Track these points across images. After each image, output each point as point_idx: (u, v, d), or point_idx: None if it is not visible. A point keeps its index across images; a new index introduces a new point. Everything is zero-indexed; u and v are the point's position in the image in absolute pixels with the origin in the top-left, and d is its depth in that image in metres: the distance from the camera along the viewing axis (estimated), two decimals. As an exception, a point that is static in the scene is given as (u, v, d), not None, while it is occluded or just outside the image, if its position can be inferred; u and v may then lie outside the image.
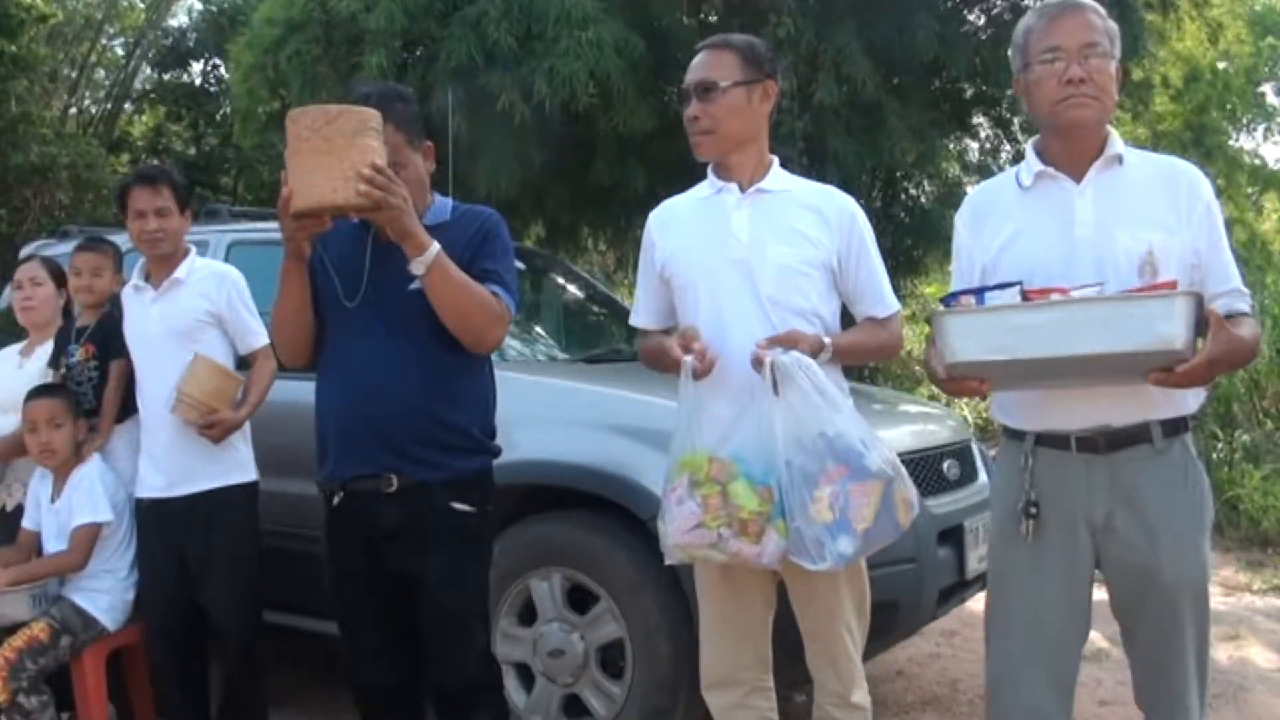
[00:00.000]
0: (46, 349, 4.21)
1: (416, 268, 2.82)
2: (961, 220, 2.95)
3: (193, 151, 21.32)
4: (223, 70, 21.17)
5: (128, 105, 21.97)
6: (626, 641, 3.74)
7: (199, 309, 3.87)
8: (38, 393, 3.93)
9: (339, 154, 2.66)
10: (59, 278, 4.31)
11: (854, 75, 7.53)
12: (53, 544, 3.88)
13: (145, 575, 3.93)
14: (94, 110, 21.60)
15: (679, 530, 2.83)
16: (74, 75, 20.81)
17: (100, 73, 22.05)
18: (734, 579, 3.06)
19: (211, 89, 21.78)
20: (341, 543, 3.09)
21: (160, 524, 3.88)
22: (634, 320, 3.24)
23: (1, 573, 3.71)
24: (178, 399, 3.76)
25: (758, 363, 2.82)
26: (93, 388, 4.05)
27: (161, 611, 3.92)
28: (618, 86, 7.10)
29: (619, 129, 7.57)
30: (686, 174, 9.34)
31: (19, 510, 4.13)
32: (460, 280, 2.88)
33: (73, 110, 21.02)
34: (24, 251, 6.36)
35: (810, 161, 7.96)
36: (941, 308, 2.74)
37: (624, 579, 3.73)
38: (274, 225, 5.23)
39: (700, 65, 3.05)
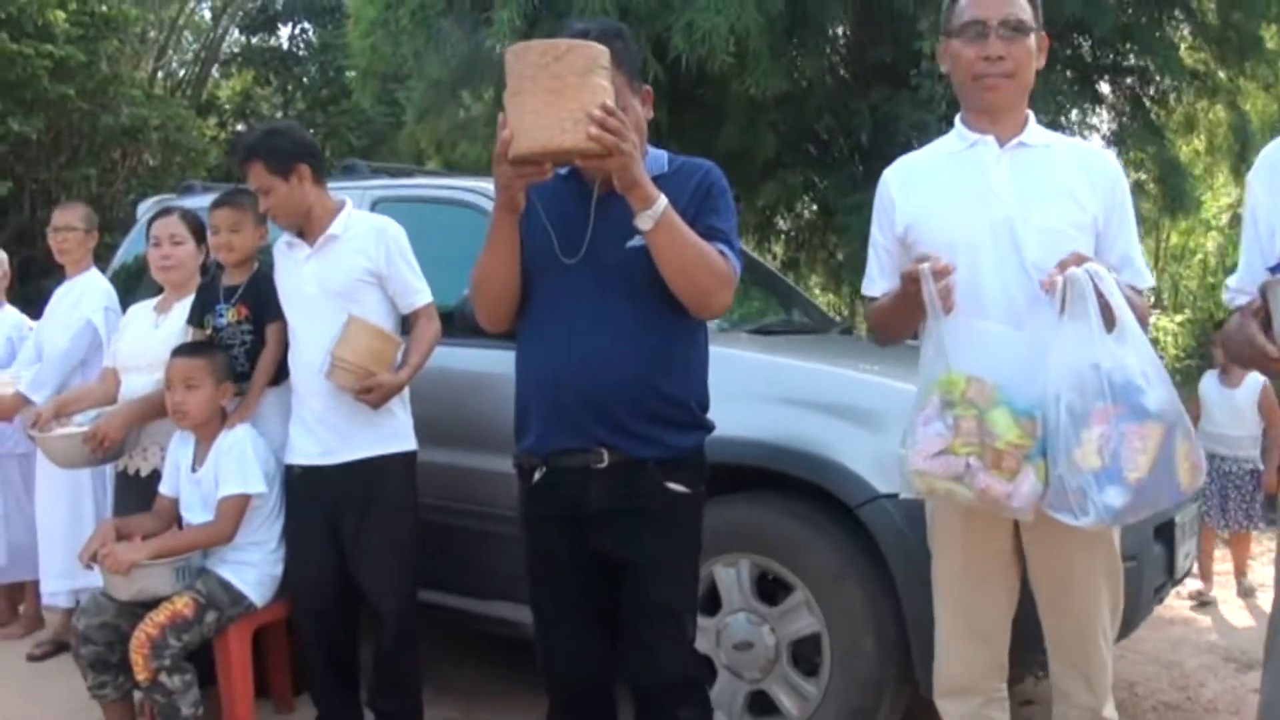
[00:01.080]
0: (184, 306, 3.95)
1: (643, 222, 2.49)
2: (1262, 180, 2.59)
3: (280, 115, 21.30)
4: (311, 34, 21.16)
5: (215, 69, 21.97)
6: (824, 636, 3.39)
7: (357, 267, 3.58)
8: (179, 351, 3.67)
9: (568, 93, 2.33)
10: (199, 233, 4.04)
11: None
12: (195, 514, 3.63)
13: (295, 548, 3.66)
14: (181, 74, 21.58)
15: (922, 454, 2.46)
16: (162, 38, 20.74)
17: (188, 36, 21.99)
18: (976, 571, 2.73)
19: (300, 53, 21.71)
20: (541, 522, 2.76)
21: (313, 494, 3.61)
22: (866, 289, 2.89)
23: (142, 545, 3.46)
24: (332, 363, 3.48)
25: (1048, 286, 2.48)
26: (245, 351, 3.77)
27: (312, 587, 3.66)
28: (754, 45, 6.75)
29: (751, 91, 7.23)
30: (813, 141, 9.10)
31: (154, 476, 3.88)
32: (688, 237, 2.55)
33: (160, 74, 20.98)
34: (142, 208, 6.14)
35: (949, 128, 7.57)
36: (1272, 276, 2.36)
37: (823, 568, 3.38)
38: (414, 181, 5.07)
39: (1000, 1, 2.67)
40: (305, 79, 21.09)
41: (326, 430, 3.57)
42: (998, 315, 2.63)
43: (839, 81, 8.42)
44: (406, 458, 3.66)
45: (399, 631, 3.65)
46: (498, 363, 3.91)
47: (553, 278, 2.68)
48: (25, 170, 17.19)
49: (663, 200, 2.49)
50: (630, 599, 2.73)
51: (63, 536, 4.75)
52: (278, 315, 3.73)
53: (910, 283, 2.57)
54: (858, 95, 8.01)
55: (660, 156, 2.77)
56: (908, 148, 8.39)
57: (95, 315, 4.74)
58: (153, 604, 3.45)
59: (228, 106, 22.14)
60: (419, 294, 3.67)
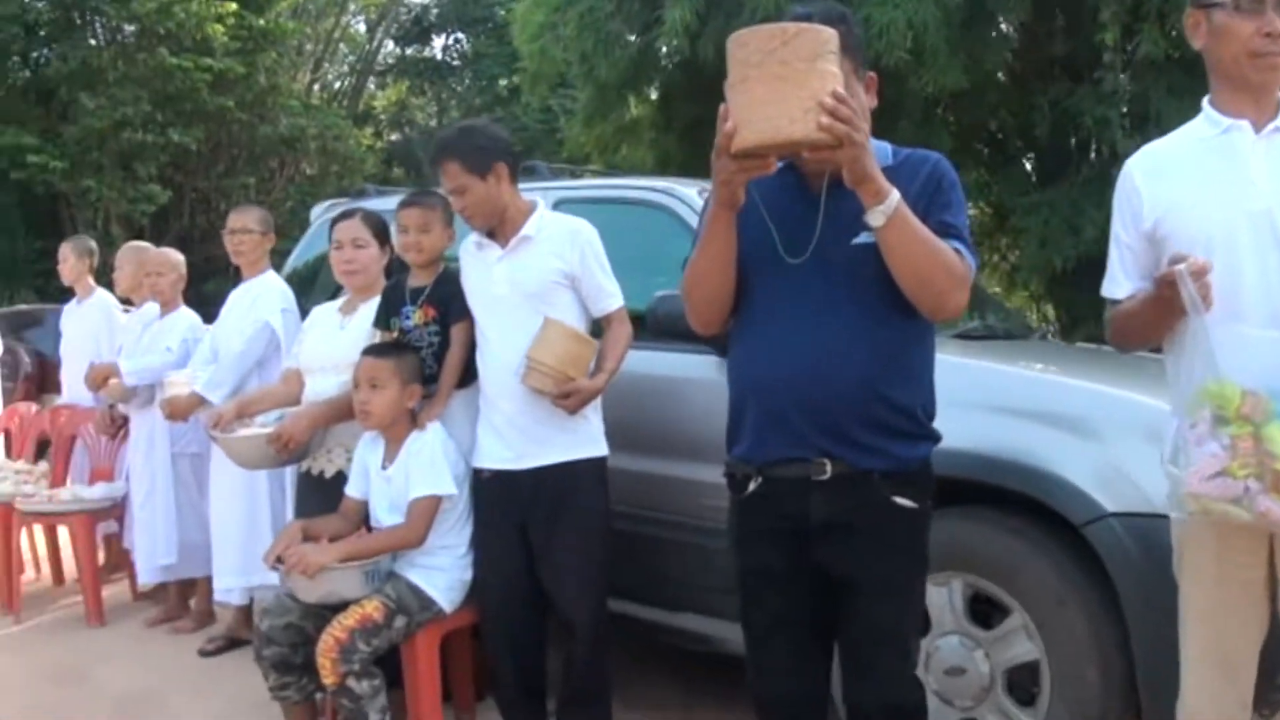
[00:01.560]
0: (369, 308, 3.90)
1: (874, 219, 2.30)
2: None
3: (434, 124, 21.73)
4: (465, 44, 21.58)
5: (370, 80, 22.53)
6: (1043, 664, 3.16)
7: (551, 269, 3.46)
8: (369, 350, 3.61)
9: (797, 80, 2.15)
10: (382, 236, 4.00)
11: (1181, 26, 6.81)
12: (383, 515, 3.56)
13: (485, 553, 3.56)
14: (337, 85, 22.18)
15: (1198, 475, 2.23)
16: (318, 51, 21.34)
17: (343, 48, 22.60)
18: (1227, 601, 2.49)
19: (454, 63, 22.18)
20: (755, 535, 2.58)
21: (502, 499, 3.52)
22: (1109, 290, 2.66)
23: (331, 548, 3.39)
24: (530, 367, 3.38)
25: None
26: (433, 353, 3.66)
27: (502, 594, 3.55)
28: (931, 40, 6.52)
29: (928, 88, 7.00)
30: (986, 140, 8.78)
31: (338, 478, 3.83)
32: (921, 234, 2.35)
33: (316, 85, 21.59)
34: (315, 212, 6.18)
35: (1132, 124, 7.24)
36: None
37: (1044, 591, 3.13)
38: (595, 183, 4.96)
39: None
40: (459, 88, 21.48)
41: (518, 434, 3.47)
42: (1258, 318, 2.38)
43: (1014, 77, 8.13)
44: (598, 463, 3.54)
45: (590, 642, 3.52)
46: (689, 367, 3.82)
47: (773, 277, 2.50)
48: (185, 179, 17.81)
49: (895, 194, 2.30)
50: (851, 618, 2.55)
51: (238, 534, 4.75)
52: (464, 316, 3.66)
53: (1165, 287, 2.35)
54: (1034, 91, 7.72)
55: (884, 148, 2.56)
56: (1087, 146, 8.00)
57: (273, 317, 4.75)
58: (339, 606, 3.40)
59: (383, 116, 22.70)
60: (612, 297, 3.55)
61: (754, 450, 2.54)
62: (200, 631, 5.19)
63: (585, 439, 3.49)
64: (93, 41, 16.81)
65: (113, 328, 6.15)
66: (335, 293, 5.40)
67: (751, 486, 2.57)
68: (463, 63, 21.63)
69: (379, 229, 3.96)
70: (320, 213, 5.98)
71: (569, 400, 3.32)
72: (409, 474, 3.46)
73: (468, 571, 3.57)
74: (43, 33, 17.13)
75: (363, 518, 3.63)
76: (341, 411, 3.70)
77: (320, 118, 18.30)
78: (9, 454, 6.42)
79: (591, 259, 3.50)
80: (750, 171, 2.29)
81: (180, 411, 4.72)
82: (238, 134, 17.57)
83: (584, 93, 8.01)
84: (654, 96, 8.18)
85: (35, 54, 17.32)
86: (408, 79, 22.30)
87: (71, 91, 15.92)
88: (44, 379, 9.96)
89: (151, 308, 5.69)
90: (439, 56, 21.78)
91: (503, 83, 19.12)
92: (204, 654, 4.87)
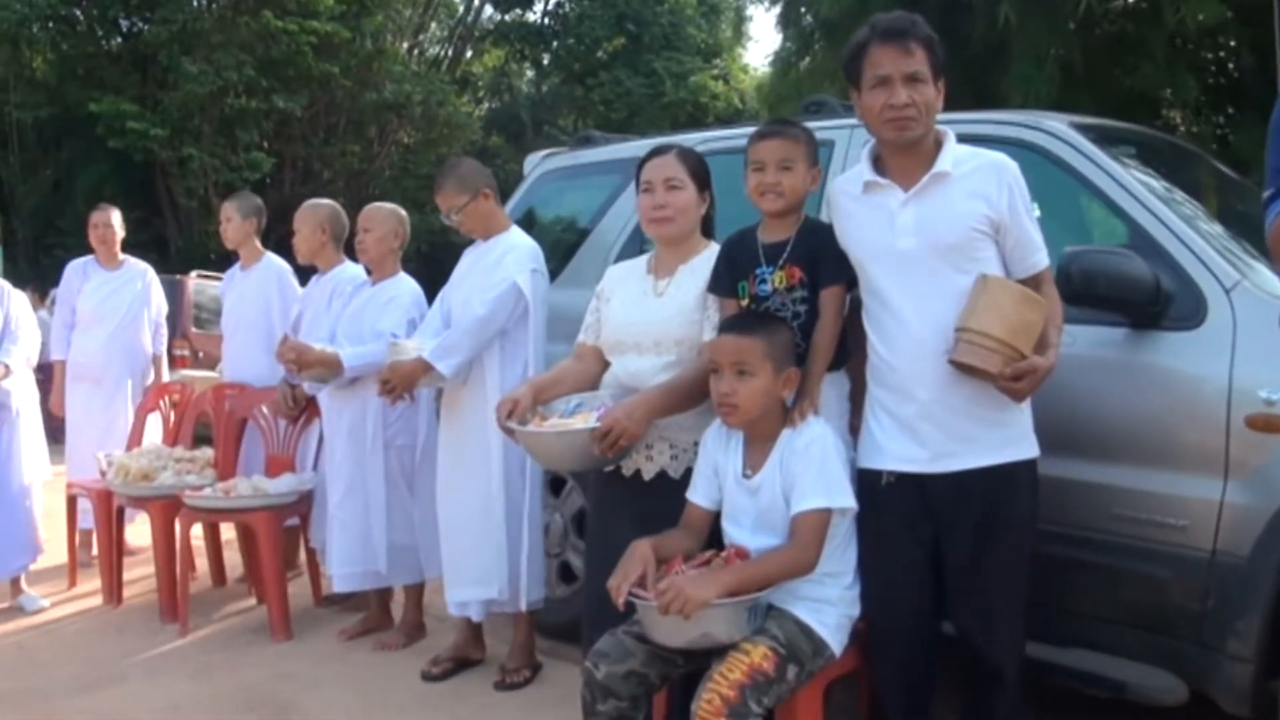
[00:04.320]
0: (692, 270, 3.08)
1: None
2: None
3: (535, 90, 20.96)
4: (565, 8, 20.75)
5: (469, 47, 21.72)
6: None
7: (975, 215, 2.65)
8: (730, 326, 2.80)
9: None
10: (702, 178, 3.17)
11: None
12: (743, 531, 2.71)
13: (881, 580, 2.75)
14: (436, 51, 21.43)
15: None
16: (418, 16, 20.58)
17: (443, 12, 21.84)
18: None
19: (554, 27, 21.30)
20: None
21: (909, 510, 2.69)
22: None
23: (711, 579, 2.51)
24: (967, 340, 2.56)
25: None
26: (800, 326, 2.85)
27: (905, 629, 2.75)
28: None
29: (1187, 21, 6.08)
30: (1244, 87, 7.81)
31: (661, 480, 3.02)
32: None
33: (415, 51, 20.86)
34: (529, 163, 5.38)
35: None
36: None
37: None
38: (966, 116, 4.04)
39: None
40: (562, 52, 20.70)
41: (935, 429, 2.65)
42: None
43: (1261, 11, 7.18)
44: (1031, 467, 2.72)
45: (1017, 693, 2.74)
46: (1101, 344, 3.09)
47: None
48: (284, 147, 17.17)
49: None
50: None
51: (473, 539, 3.97)
52: (839, 278, 2.85)
53: None
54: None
55: None
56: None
57: (521, 277, 3.93)
58: (698, 651, 2.61)
59: (481, 83, 21.92)
60: (1041, 251, 2.73)
61: None
62: (410, 648, 4.43)
63: (1020, 435, 2.72)
64: (195, 3, 16.14)
65: (286, 297, 5.42)
66: (565, 259, 4.65)
67: None
68: (563, 27, 20.77)
69: (698, 169, 3.13)
70: (535, 163, 5.18)
71: (1021, 383, 2.52)
72: (791, 482, 2.66)
73: (855, 605, 2.76)
74: (141, -4, 16.51)
75: (708, 531, 2.83)
76: (682, 399, 2.90)
77: (424, 83, 17.55)
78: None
79: (1020, 202, 2.70)
80: None
81: (403, 380, 3.91)
82: (341, 100, 16.84)
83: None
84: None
85: (133, 19, 16.69)
86: (507, 44, 21.47)
87: (172, 57, 15.25)
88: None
89: (344, 272, 4.95)
90: (538, 20, 20.89)
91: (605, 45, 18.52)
92: (429, 678, 4.11)
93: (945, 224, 2.65)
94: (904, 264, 2.68)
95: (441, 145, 17.60)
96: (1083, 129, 3.47)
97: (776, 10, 8.19)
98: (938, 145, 2.72)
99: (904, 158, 2.71)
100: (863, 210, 2.76)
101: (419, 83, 17.35)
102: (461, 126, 18.52)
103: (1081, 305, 2.92)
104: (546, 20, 20.98)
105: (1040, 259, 2.72)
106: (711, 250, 3.10)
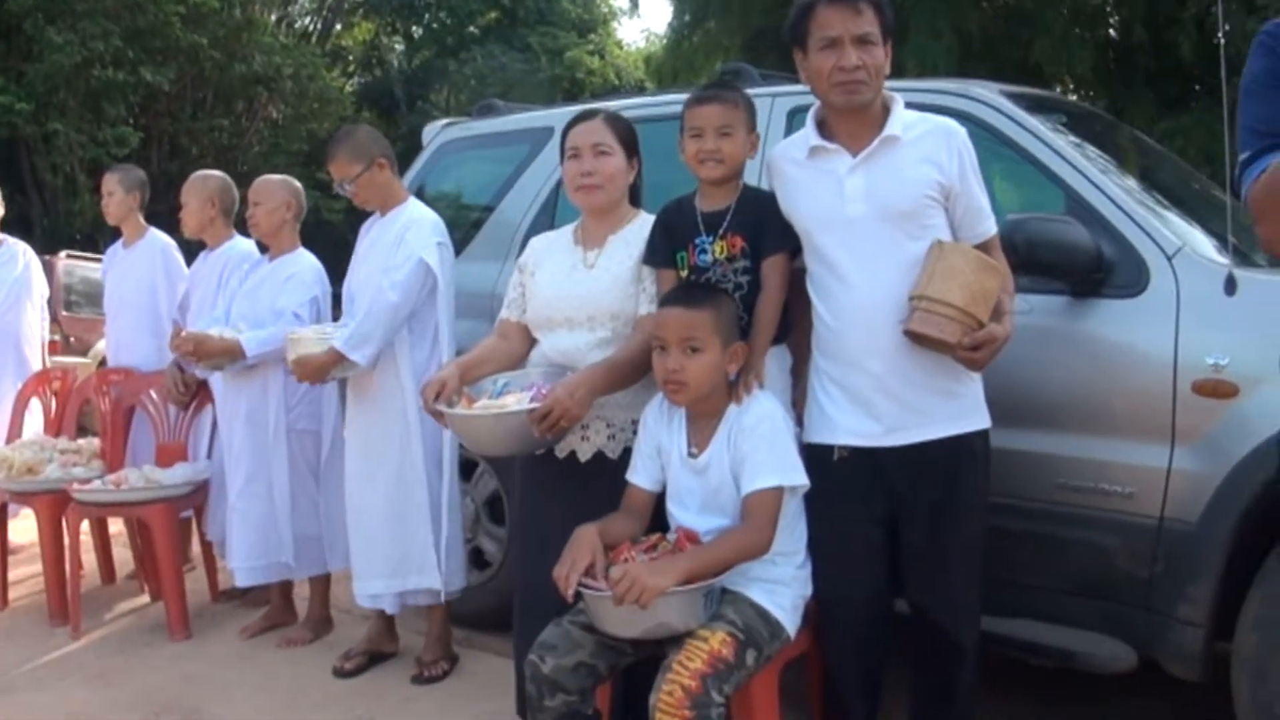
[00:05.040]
0: (623, 240, 2.94)
1: None
2: None
3: (407, 64, 20.51)
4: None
5: (339, 19, 21.13)
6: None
7: (926, 180, 2.57)
8: (673, 299, 2.67)
9: None
10: (630, 144, 3.01)
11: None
12: (690, 513, 2.57)
13: (834, 559, 2.61)
14: (305, 23, 20.80)
15: None
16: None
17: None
18: None
19: (426, 0, 20.90)
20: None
21: (863, 485, 2.59)
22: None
23: (667, 566, 2.37)
24: (924, 309, 2.46)
25: None
26: (741, 299, 2.72)
27: (858, 607, 2.66)
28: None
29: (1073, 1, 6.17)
30: (1135, 62, 7.94)
31: (598, 461, 2.88)
32: None
33: (283, 23, 20.21)
34: (428, 132, 5.17)
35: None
36: None
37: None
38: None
39: None
40: (435, 26, 20.28)
41: (889, 401, 2.56)
42: None
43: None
44: (986, 437, 2.66)
45: (973, 666, 2.68)
46: (1045, 312, 3.03)
47: None
48: (151, 122, 16.50)
49: None
50: None
51: (386, 529, 3.76)
52: (782, 247, 2.74)
53: None
54: (1181, 3, 6.92)
55: None
56: (1240, 66, 7.16)
57: (428, 253, 3.75)
58: (649, 641, 2.48)
59: (352, 56, 21.36)
60: (990, 218, 2.67)
61: None
62: (318, 643, 4.23)
63: (973, 406, 2.67)
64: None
65: (172, 275, 5.13)
66: (469, 232, 4.47)
67: None
68: (435, 0, 20.41)
69: (626, 135, 2.99)
70: (434, 132, 4.98)
71: (980, 352, 2.45)
72: (740, 460, 2.55)
73: (808, 585, 2.66)
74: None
75: (649, 514, 2.72)
76: (624, 377, 2.77)
77: (295, 56, 17.00)
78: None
79: (969, 168, 2.64)
80: None
81: (314, 373, 3.73)
82: (210, 73, 16.21)
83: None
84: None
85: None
86: (378, 17, 20.96)
87: (36, 26, 14.47)
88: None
89: (235, 248, 4.70)
90: (411, -7, 20.55)
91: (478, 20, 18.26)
92: (342, 674, 3.93)
93: (896, 190, 2.56)
94: (853, 231, 2.59)
95: (311, 120, 17.09)
96: (1013, 97, 3.42)
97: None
98: (885, 110, 2.63)
99: (851, 122, 2.61)
100: (808, 176, 2.66)
101: (289, 55, 16.82)
102: (333, 101, 18.02)
103: (1027, 274, 2.86)
104: (419, -8, 20.65)
105: (990, 225, 2.66)
106: (642, 219, 2.97)
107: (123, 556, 5.26)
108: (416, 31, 20.85)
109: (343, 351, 3.66)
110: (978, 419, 2.64)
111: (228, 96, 16.98)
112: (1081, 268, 2.92)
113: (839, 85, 2.56)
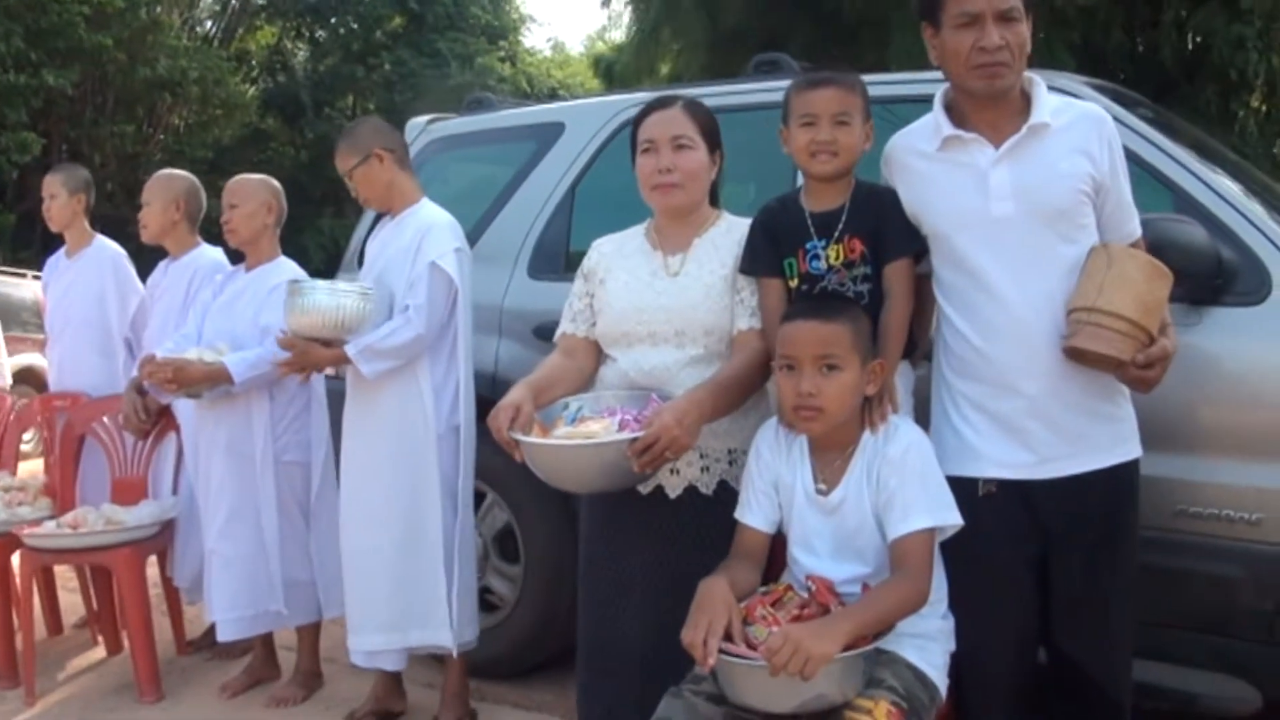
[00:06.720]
0: (711, 244, 2.56)
1: None
2: None
3: (312, 68, 19.92)
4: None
5: (241, 23, 20.41)
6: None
7: (1079, 174, 2.28)
8: (804, 311, 2.28)
9: None
10: (713, 138, 2.64)
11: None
12: (819, 558, 2.21)
13: (983, 605, 2.29)
14: (208, 26, 20.08)
15: None
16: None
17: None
18: None
19: (330, 4, 20.25)
20: None
21: (1014, 524, 2.29)
22: None
23: (830, 628, 2.01)
24: (1092, 322, 2.17)
25: None
26: (864, 309, 2.35)
27: (1009, 662, 2.35)
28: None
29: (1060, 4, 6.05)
30: (1115, 64, 7.83)
31: (691, 496, 2.52)
32: None
33: (187, 26, 19.47)
34: (411, 127, 4.73)
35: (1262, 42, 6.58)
36: None
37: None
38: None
39: None
40: (341, 30, 19.75)
41: (1045, 428, 2.24)
42: None
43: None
44: (1137, 467, 2.37)
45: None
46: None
47: None
48: (53, 126, 15.70)
49: None
50: None
51: (390, 577, 3.32)
52: (904, 250, 2.42)
53: None
54: (1157, 7, 6.86)
55: None
56: (1223, 72, 7.10)
57: (446, 260, 3.35)
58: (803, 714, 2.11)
59: (255, 61, 20.64)
60: (1136, 217, 2.39)
61: None
62: (310, 700, 3.79)
63: (1130, 432, 2.42)
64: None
65: (124, 287, 4.61)
66: (469, 237, 4.07)
67: None
68: (341, 4, 19.86)
69: (709, 126, 2.63)
70: (418, 128, 4.56)
71: (1153, 370, 2.16)
72: (887, 498, 2.22)
73: (953, 639, 2.34)
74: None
75: (764, 563, 2.38)
76: (734, 401, 2.42)
77: (201, 59, 16.31)
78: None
79: (1119, 160, 2.35)
80: None
81: (316, 364, 3.42)
82: (113, 76, 15.45)
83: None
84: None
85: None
86: (281, 20, 20.34)
87: (-69, 25, 13.67)
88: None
89: (202, 257, 4.25)
90: (314, -2, 20.00)
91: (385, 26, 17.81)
92: (347, 738, 3.48)
93: (1049, 185, 2.27)
94: (1000, 234, 2.28)
95: (215, 127, 16.41)
96: (1102, 90, 3.15)
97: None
98: (1024, 94, 2.33)
99: (991, 109, 2.31)
100: (942, 171, 2.35)
101: (194, 58, 16.12)
102: (238, 106, 17.36)
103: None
104: (321, -2, 20.08)
105: (1136, 226, 2.39)
106: (728, 221, 2.64)
107: (68, 601, 4.71)
108: (321, 35, 20.23)
109: (352, 358, 3.25)
110: (1134, 446, 2.36)
111: (130, 101, 16.24)
112: (1203, 273, 2.66)
113: (979, 68, 2.25)
